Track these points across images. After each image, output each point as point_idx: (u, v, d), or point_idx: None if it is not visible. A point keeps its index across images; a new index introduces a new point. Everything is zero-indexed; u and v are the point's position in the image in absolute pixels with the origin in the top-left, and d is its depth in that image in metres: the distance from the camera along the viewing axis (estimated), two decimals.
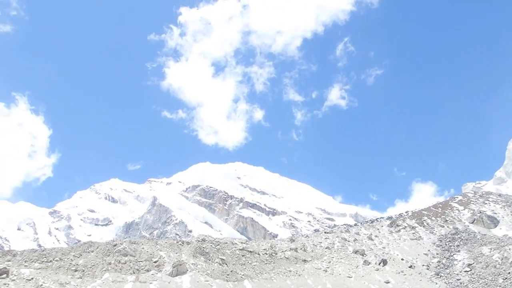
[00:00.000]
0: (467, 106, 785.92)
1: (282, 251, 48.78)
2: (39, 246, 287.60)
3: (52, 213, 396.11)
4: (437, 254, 55.25)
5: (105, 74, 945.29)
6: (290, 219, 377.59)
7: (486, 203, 73.98)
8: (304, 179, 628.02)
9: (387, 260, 50.19)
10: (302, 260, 47.68)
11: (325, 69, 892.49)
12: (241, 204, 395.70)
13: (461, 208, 72.45)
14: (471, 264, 49.59)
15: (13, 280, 31.45)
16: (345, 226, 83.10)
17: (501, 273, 45.49)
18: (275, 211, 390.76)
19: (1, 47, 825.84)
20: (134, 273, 36.44)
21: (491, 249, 51.66)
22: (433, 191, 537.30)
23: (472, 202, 75.23)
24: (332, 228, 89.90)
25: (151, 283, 34.94)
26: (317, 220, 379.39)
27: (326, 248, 53.53)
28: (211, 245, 44.82)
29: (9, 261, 35.61)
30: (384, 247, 56.47)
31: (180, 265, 38.18)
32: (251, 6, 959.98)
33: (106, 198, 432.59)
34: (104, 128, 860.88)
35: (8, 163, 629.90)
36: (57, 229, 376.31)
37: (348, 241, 57.53)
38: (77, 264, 36.25)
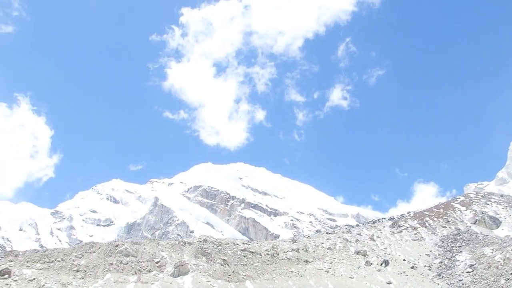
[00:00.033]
0: (469, 107, 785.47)
1: (284, 252, 48.76)
2: (41, 246, 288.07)
3: (54, 214, 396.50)
4: (439, 255, 55.19)
5: (106, 75, 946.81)
6: (291, 220, 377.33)
7: (488, 204, 73.86)
8: (306, 179, 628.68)
9: (389, 261, 50.14)
10: (304, 261, 47.65)
11: (326, 69, 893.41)
12: (242, 205, 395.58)
13: (463, 208, 72.35)
14: (473, 265, 49.49)
15: (15, 280, 31.50)
16: (347, 226, 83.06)
17: (503, 274, 45.37)
18: (276, 211, 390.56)
19: (3, 48, 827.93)
20: (135, 273, 36.46)
21: (493, 250, 51.55)
22: (435, 191, 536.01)
23: (474, 202, 75.11)
24: (334, 228, 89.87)
25: (152, 283, 34.97)
26: (319, 221, 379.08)
27: (328, 249, 53.51)
28: (212, 246, 44.82)
29: (11, 261, 35.68)
30: (386, 248, 56.42)
31: (182, 265, 38.20)
32: (253, 6, 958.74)
33: (108, 198, 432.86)
34: (106, 129, 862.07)
35: (10, 163, 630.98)
36: (59, 229, 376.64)
37: (350, 241, 57.49)
38: (79, 265, 36.30)
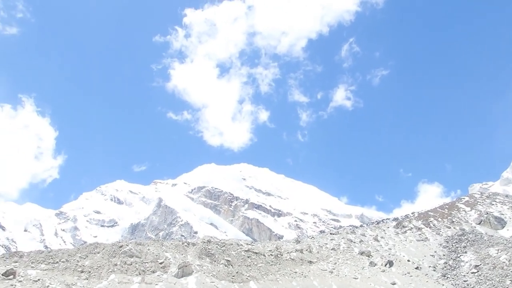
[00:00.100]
0: (474, 107, 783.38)
1: (288, 252, 48.69)
2: (46, 247, 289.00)
3: (58, 215, 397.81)
4: (444, 255, 54.98)
5: (110, 76, 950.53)
6: (295, 220, 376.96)
7: (493, 204, 73.54)
8: (310, 180, 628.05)
9: (393, 262, 49.99)
10: (308, 262, 47.57)
11: (330, 70, 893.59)
12: (246, 205, 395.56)
13: (467, 209, 72.06)
14: (478, 266, 49.28)
15: (20, 281, 31.58)
16: (351, 227, 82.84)
17: (508, 274, 45.17)
18: (280, 212, 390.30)
19: (7, 49, 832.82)
20: (139, 274, 36.49)
21: (498, 250, 51.32)
22: (440, 192, 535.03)
23: (479, 203, 74.81)
24: (337, 229, 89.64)
25: (156, 284, 34.98)
26: (323, 221, 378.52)
27: (331, 249, 53.40)
28: (216, 247, 44.81)
29: (16, 262, 35.78)
30: (390, 248, 56.26)
31: (186, 266, 38.20)
32: (256, 7, 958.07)
33: (111, 199, 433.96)
34: (110, 130, 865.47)
35: (15, 164, 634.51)
36: (63, 230, 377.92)
37: (354, 242, 57.36)
38: (83, 265, 36.36)
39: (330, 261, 48.92)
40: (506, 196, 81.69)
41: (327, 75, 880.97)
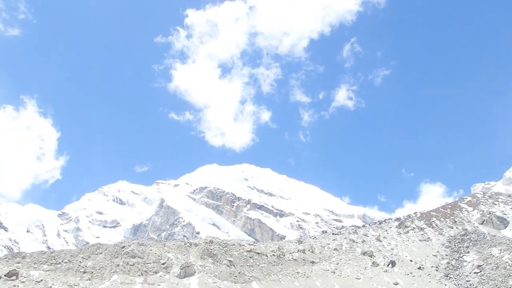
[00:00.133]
0: (476, 106, 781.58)
1: (290, 253, 48.69)
2: (48, 248, 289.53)
3: (61, 215, 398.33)
4: (446, 255, 54.88)
5: (112, 77, 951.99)
6: (297, 221, 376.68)
7: (495, 204, 73.39)
8: (312, 180, 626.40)
9: (396, 262, 49.94)
10: (310, 262, 47.55)
11: (332, 70, 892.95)
12: (248, 206, 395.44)
13: (470, 209, 71.93)
14: (480, 266, 49.17)
15: (23, 282, 31.65)
16: (353, 227, 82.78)
17: (511, 274, 45.04)
18: (282, 212, 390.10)
19: (9, 51, 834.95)
20: (142, 274, 36.53)
21: (501, 250, 51.20)
22: (442, 192, 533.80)
23: (481, 203, 74.67)
24: (340, 229, 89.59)
25: (159, 284, 35.01)
26: (325, 222, 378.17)
27: (334, 250, 53.36)
28: (218, 247, 44.83)
29: (19, 263, 35.85)
30: (392, 249, 56.19)
31: (188, 266, 38.23)
32: (258, 7, 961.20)
33: (114, 200, 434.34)
34: (112, 131, 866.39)
35: (17, 165, 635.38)
36: (65, 231, 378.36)
37: (356, 242, 57.31)
38: (86, 266, 36.41)
39: (333, 261, 48.89)
40: (509, 196, 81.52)
41: (328, 75, 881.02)
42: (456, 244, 57.90)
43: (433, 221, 66.71)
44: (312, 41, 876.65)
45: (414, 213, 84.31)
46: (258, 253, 46.32)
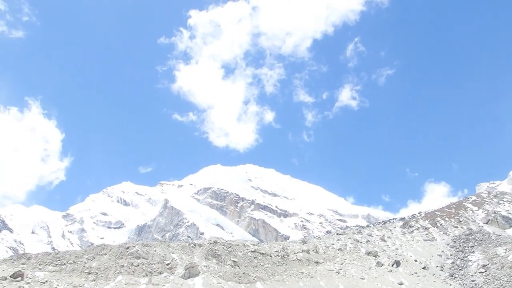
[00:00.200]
0: (480, 106, 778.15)
1: (294, 253, 48.66)
2: (53, 249, 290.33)
3: (65, 217, 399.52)
4: (451, 255, 54.71)
5: (116, 78, 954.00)
6: (301, 221, 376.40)
7: (500, 203, 73.09)
8: (316, 180, 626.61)
9: (400, 262, 49.81)
10: (314, 262, 47.51)
11: (335, 69, 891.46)
12: (252, 206, 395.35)
13: (475, 208, 71.67)
14: (486, 265, 48.99)
15: (28, 283, 31.77)
16: (357, 227, 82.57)
17: None
18: (286, 212, 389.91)
19: (13, 52, 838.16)
20: (146, 275, 36.60)
21: (506, 249, 50.99)
22: (447, 191, 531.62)
23: (486, 202, 74.38)
24: (344, 229, 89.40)
25: (163, 285, 35.06)
26: (329, 222, 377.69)
27: (338, 250, 53.29)
28: (223, 247, 44.86)
29: (24, 264, 36.01)
30: (397, 248, 56.06)
31: (192, 267, 38.28)
32: (261, 7, 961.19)
33: (118, 201, 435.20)
34: (116, 132, 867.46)
35: (22, 167, 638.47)
36: (70, 232, 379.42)
37: (361, 242, 57.21)
38: (91, 267, 36.52)
39: (337, 262, 48.83)
40: None
41: (332, 75, 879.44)
42: (461, 244, 57.71)
43: (437, 221, 66.52)
44: (315, 41, 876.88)
45: (419, 213, 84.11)
46: (262, 253, 46.33)
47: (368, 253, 52.52)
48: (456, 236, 60.96)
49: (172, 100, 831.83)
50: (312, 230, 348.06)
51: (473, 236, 59.50)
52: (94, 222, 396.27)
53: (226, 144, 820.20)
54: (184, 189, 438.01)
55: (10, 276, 31.93)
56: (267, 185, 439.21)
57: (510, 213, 67.30)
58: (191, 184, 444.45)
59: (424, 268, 49.54)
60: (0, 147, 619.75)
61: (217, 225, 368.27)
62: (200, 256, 42.31)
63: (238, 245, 47.34)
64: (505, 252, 50.24)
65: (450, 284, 45.78)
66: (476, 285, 45.42)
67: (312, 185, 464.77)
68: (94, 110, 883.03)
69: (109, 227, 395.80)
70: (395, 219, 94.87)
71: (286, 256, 47.12)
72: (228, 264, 41.67)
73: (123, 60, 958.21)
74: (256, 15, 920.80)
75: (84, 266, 36.43)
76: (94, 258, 38.43)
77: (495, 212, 67.03)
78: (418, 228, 64.58)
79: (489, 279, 45.82)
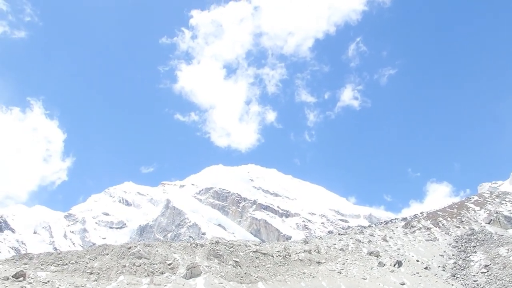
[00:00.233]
0: (482, 105, 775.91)
1: (296, 253, 48.65)
2: (55, 249, 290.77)
3: (67, 217, 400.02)
4: (453, 255, 54.62)
5: (117, 78, 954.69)
6: (303, 221, 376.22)
7: (502, 203, 72.97)
8: (317, 180, 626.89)
9: (402, 262, 49.77)
10: (316, 262, 47.49)
11: (337, 69, 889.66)
12: (254, 206, 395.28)
13: (477, 208, 71.55)
14: (488, 265, 48.90)
15: (30, 283, 31.83)
16: (359, 227, 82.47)
17: None
18: (288, 213, 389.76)
19: (16, 53, 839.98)
20: (148, 275, 36.64)
21: (508, 250, 50.90)
22: (449, 191, 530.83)
23: (488, 202, 74.26)
24: (346, 229, 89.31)
25: (165, 285, 35.09)
26: (331, 222, 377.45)
27: (340, 250, 53.26)
28: (224, 248, 44.87)
29: (26, 264, 36.07)
30: (399, 249, 56.00)
31: (194, 267, 38.30)
32: (262, 7, 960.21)
33: (120, 201, 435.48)
34: (118, 132, 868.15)
35: (24, 167, 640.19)
36: (72, 232, 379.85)
37: (363, 242, 57.16)
38: (93, 267, 36.57)
39: (339, 262, 48.80)
40: None
41: (334, 75, 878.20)
42: (463, 244, 57.63)
43: (439, 221, 66.42)
44: (317, 41, 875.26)
45: (421, 213, 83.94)
46: (264, 253, 46.33)
47: (370, 253, 52.48)
48: (458, 236, 60.87)
49: (174, 100, 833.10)
50: (314, 230, 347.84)
51: (475, 236, 59.41)
52: (96, 222, 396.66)
53: (228, 144, 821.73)
54: (186, 189, 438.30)
55: (12, 276, 31.99)
56: (269, 185, 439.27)
57: None
58: (193, 184, 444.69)
59: (426, 268, 49.47)
60: (2, 147, 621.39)
61: (219, 225, 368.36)
62: (202, 256, 42.33)
63: (240, 245, 47.35)
64: (507, 252, 50.15)
65: (452, 284, 45.72)
66: (478, 285, 45.34)
67: (314, 185, 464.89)
68: (96, 110, 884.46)
69: (111, 227, 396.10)
70: (397, 219, 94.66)
71: (288, 256, 47.12)
72: (230, 264, 41.69)
73: (125, 60, 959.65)
74: (258, 15, 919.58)
75: (86, 266, 36.49)
76: (96, 258, 38.49)
77: (497, 212, 66.91)
78: (420, 228, 64.50)
79: (491, 279, 45.74)
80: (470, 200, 76.80)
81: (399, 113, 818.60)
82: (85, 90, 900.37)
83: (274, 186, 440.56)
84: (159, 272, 37.55)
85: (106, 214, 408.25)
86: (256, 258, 44.80)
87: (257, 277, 40.45)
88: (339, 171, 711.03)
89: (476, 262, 51.03)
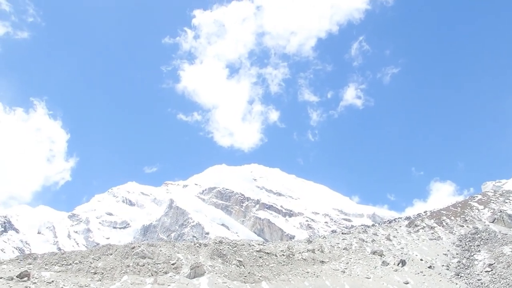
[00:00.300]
0: (486, 104, 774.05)
1: (300, 252, 48.63)
2: (59, 249, 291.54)
3: (71, 217, 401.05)
4: (457, 254, 54.49)
5: (120, 78, 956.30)
6: (307, 220, 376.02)
7: (506, 202, 72.72)
8: (321, 179, 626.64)
9: (406, 261, 49.68)
10: (320, 261, 47.46)
11: (340, 68, 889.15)
12: (257, 206, 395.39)
13: (481, 207, 71.35)
14: (492, 264, 48.78)
15: (34, 283, 31.94)
16: (362, 226, 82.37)
17: None
18: (291, 212, 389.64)
19: (19, 53, 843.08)
20: (152, 275, 36.70)
21: None
22: (452, 190, 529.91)
23: (492, 201, 74.03)
24: (349, 229, 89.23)
25: (169, 285, 35.15)
26: (334, 221, 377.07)
27: (343, 249, 53.20)
28: (228, 247, 44.89)
29: (30, 264, 36.20)
30: (402, 248, 55.90)
31: (198, 267, 38.34)
32: (265, 7, 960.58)
33: (123, 201, 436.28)
34: (121, 132, 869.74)
35: (28, 167, 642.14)
36: (76, 232, 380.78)
37: (366, 241, 57.09)
38: (96, 267, 36.66)
39: (342, 261, 48.75)
40: None
41: (337, 74, 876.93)
42: (466, 243, 57.48)
43: (443, 220, 66.28)
44: (320, 40, 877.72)
45: (424, 212, 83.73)
46: (268, 253, 46.34)
47: (374, 253, 52.41)
48: (462, 235, 60.73)
49: (177, 100, 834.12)
50: (317, 230, 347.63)
51: (479, 235, 59.25)
52: (99, 222, 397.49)
53: (231, 143, 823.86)
54: (189, 189, 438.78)
55: (17, 276, 32.12)
56: (272, 184, 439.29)
57: None
58: (196, 184, 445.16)
59: (429, 267, 49.38)
60: (5, 148, 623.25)
61: (222, 225, 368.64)
62: (206, 256, 42.37)
63: (244, 244, 47.37)
64: (511, 251, 50.03)
65: (456, 283, 45.62)
66: (482, 284, 45.23)
67: (317, 185, 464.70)
68: (99, 111, 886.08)
69: (114, 227, 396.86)
70: (401, 218, 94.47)
71: (291, 256, 47.10)
72: (234, 264, 41.71)
73: (128, 61, 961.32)
74: (260, 15, 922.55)
75: (90, 266, 36.59)
76: (100, 258, 38.58)
77: (501, 211, 66.71)
78: (424, 227, 64.38)
79: (495, 278, 45.63)
80: (474, 199, 76.58)
81: (402, 112, 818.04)
82: (88, 90, 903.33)
83: (277, 185, 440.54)
84: (163, 272, 37.62)
85: (110, 214, 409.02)
86: (260, 257, 44.81)
87: (260, 276, 40.47)
88: (343, 170, 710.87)
89: (480, 261, 50.91)
